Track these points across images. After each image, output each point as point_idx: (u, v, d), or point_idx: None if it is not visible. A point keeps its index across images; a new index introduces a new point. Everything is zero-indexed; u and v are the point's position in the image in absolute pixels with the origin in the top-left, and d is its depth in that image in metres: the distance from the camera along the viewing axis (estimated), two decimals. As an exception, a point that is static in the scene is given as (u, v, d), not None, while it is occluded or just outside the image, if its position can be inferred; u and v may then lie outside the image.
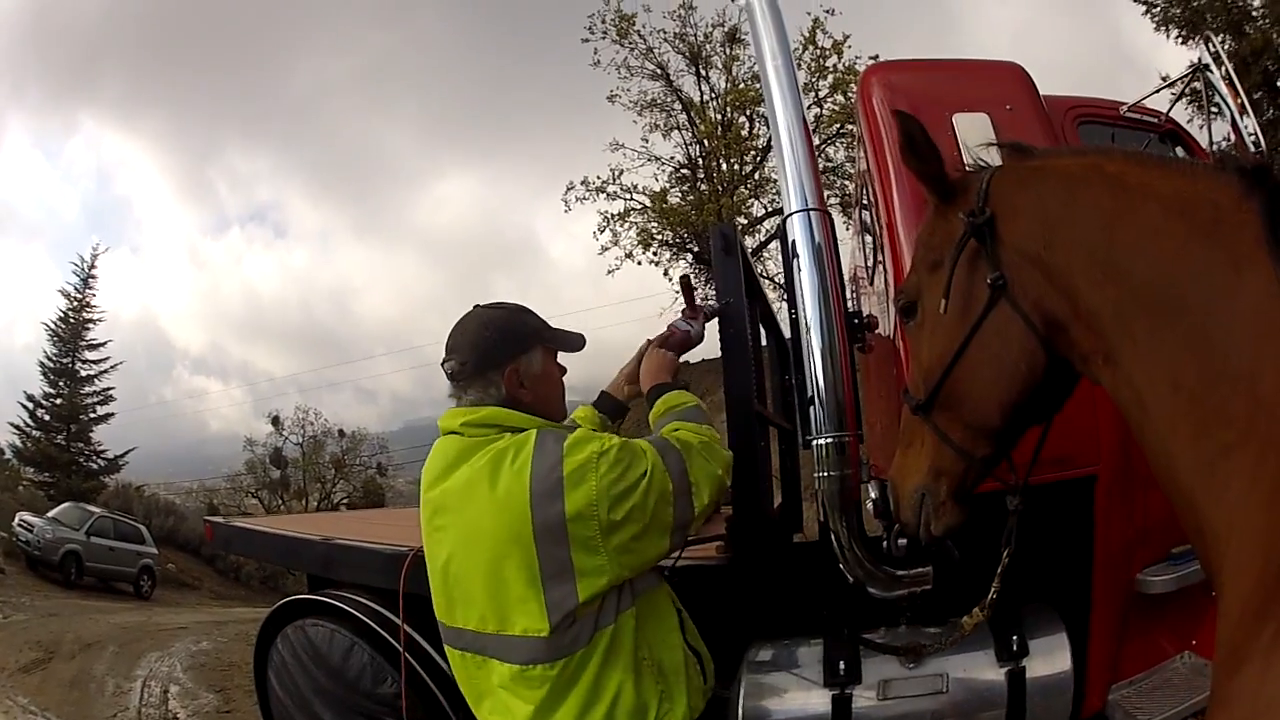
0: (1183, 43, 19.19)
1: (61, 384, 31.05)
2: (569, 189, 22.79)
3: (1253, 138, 3.84)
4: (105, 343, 32.23)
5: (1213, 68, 3.98)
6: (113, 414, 31.90)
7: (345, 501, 34.58)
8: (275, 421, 36.58)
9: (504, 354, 2.09)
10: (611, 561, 1.89)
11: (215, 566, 26.15)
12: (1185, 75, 4.12)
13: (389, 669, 3.32)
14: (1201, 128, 4.33)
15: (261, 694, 4.08)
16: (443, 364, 2.12)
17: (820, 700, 2.93)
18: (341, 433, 37.36)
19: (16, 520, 19.39)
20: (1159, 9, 19.51)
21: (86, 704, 7.35)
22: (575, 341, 2.27)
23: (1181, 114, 4.13)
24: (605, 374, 2.74)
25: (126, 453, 32.10)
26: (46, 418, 30.55)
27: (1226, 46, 16.16)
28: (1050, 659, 3.06)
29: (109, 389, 31.84)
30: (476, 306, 2.20)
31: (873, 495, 2.82)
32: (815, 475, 2.75)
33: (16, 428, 30.10)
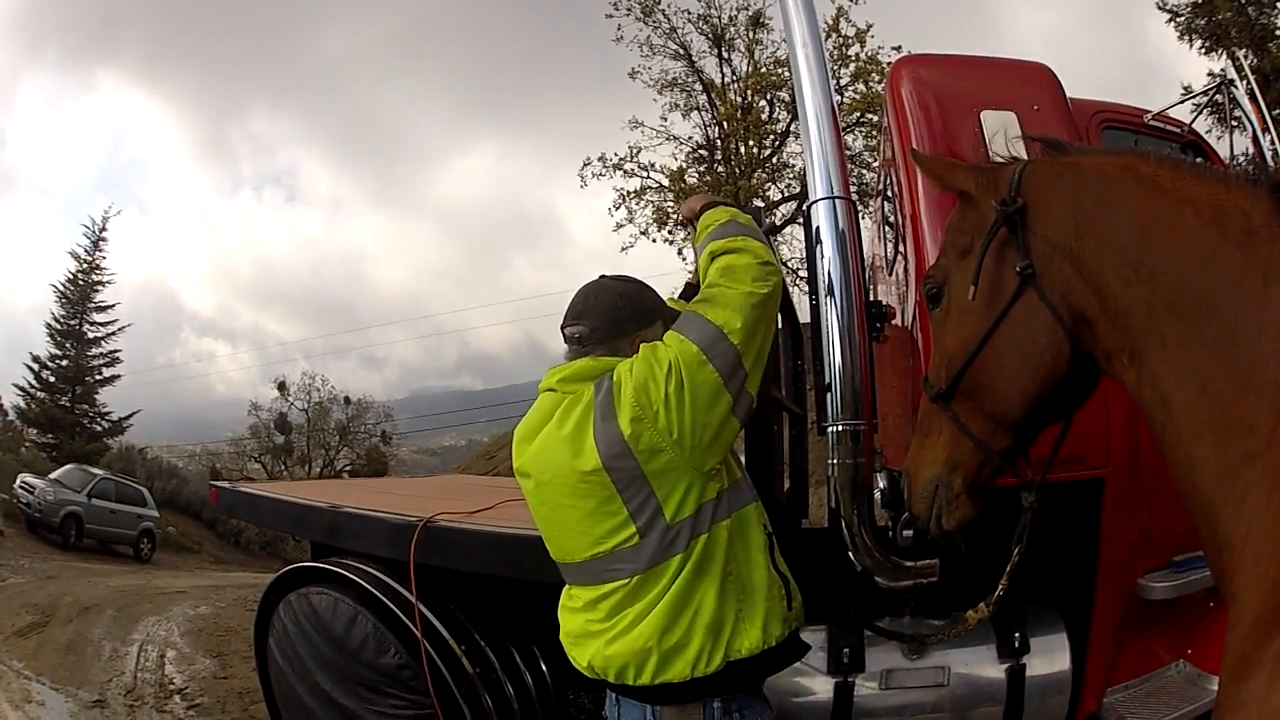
0: (1205, 54, 19.19)
1: (68, 346, 30.99)
2: (586, 165, 22.59)
3: (1272, 154, 3.84)
4: (113, 305, 32.22)
5: (1236, 82, 3.97)
6: (118, 376, 31.92)
7: (348, 469, 34.70)
8: (281, 387, 36.78)
9: (633, 325, 2.16)
10: (679, 452, 1.95)
11: (216, 530, 26.22)
12: (1209, 88, 4.12)
13: (392, 639, 3.33)
14: (1220, 139, 4.34)
15: (261, 661, 4.10)
16: (565, 328, 2.19)
17: (823, 687, 2.95)
18: (347, 400, 37.54)
19: (18, 482, 19.35)
20: (1183, 19, 19.47)
21: (82, 668, 7.28)
22: None
23: (1202, 126, 4.13)
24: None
25: (131, 415, 32.05)
26: (52, 379, 30.52)
27: (1250, 62, 16.12)
28: (1050, 658, 3.08)
29: (115, 351, 31.84)
30: (603, 277, 2.28)
31: (882, 485, 2.83)
32: (828, 462, 2.77)
33: (21, 389, 30.12)
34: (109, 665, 7.51)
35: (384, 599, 3.37)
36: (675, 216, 21.60)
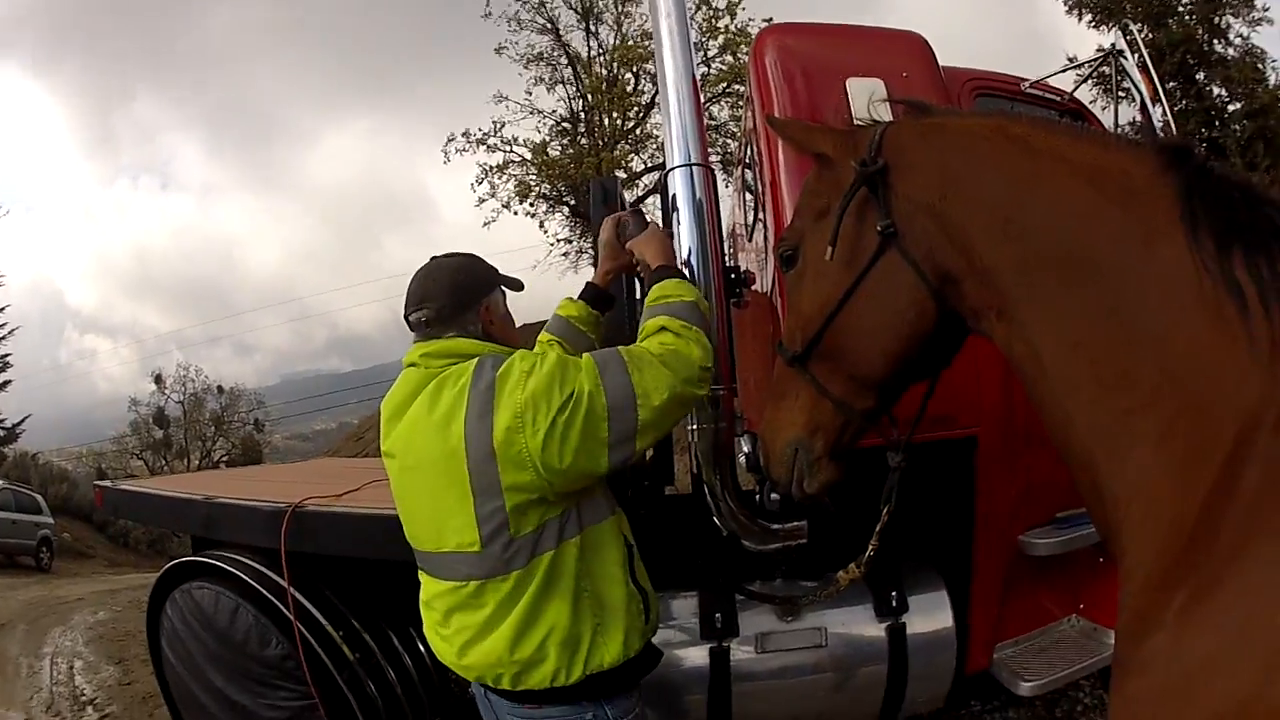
0: (1095, 27, 19.42)
1: (-43, 354, 29.54)
2: (449, 140, 22.34)
3: (1162, 124, 3.90)
4: (2, 308, 30.58)
5: (1126, 53, 4.03)
6: (9, 381, 30.37)
7: (225, 459, 34.23)
8: (158, 380, 36.42)
9: (476, 294, 2.18)
10: (540, 476, 1.91)
11: (106, 533, 25.17)
12: (1096, 58, 4.16)
13: (274, 630, 3.26)
14: (1105, 109, 4.41)
15: (156, 662, 3.99)
16: (410, 314, 2.16)
17: (698, 654, 2.96)
18: (220, 389, 37.35)
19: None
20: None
21: (6, 688, 7.12)
22: (517, 284, 2.38)
23: (1086, 96, 4.19)
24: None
25: (23, 420, 30.61)
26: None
27: (1145, 36, 16.46)
28: (930, 616, 3.14)
29: (5, 355, 30.29)
30: (435, 258, 2.25)
31: (746, 449, 2.83)
32: (689, 428, 2.75)
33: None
34: (29, 682, 7.34)
35: (261, 589, 3.29)
36: (538, 190, 21.60)
